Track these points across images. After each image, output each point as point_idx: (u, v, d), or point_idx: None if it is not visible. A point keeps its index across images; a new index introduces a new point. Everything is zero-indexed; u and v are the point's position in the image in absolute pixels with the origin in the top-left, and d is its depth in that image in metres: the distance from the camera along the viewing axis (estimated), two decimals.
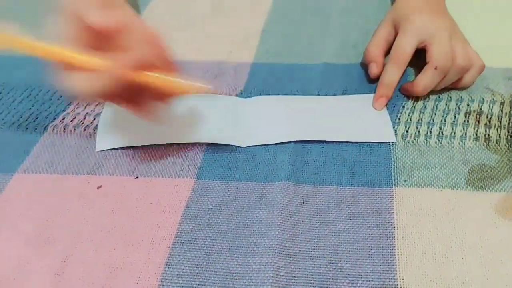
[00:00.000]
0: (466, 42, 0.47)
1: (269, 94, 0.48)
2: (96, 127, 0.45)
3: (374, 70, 0.48)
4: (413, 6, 0.48)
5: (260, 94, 0.48)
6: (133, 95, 0.36)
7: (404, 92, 0.47)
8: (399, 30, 0.47)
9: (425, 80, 0.45)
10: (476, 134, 0.43)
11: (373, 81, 0.48)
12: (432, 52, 0.45)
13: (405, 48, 0.45)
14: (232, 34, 0.56)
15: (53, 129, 0.45)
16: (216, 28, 0.58)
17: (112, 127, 0.44)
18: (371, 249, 0.35)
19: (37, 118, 0.47)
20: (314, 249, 0.35)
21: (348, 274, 0.33)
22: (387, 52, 0.49)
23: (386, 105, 0.46)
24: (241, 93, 0.48)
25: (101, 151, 0.43)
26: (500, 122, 0.44)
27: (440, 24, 0.46)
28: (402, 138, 0.43)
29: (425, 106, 0.46)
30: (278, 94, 0.48)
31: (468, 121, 0.44)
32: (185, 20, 0.59)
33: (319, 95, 0.48)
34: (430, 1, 0.49)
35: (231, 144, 0.43)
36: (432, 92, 0.46)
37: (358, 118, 0.45)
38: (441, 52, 0.44)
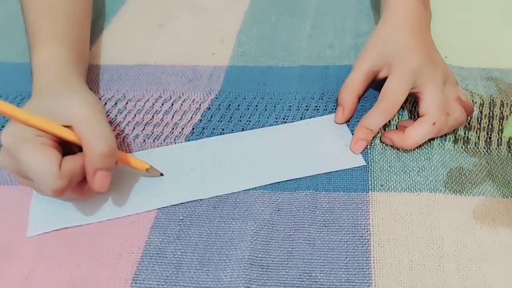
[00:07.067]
0: (457, 84, 0.43)
1: (245, 99, 0.47)
2: None
3: (339, 115, 0.43)
4: (405, 44, 0.42)
5: (236, 99, 0.47)
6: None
7: (388, 142, 0.41)
8: (391, 69, 0.41)
9: (419, 134, 0.39)
10: (455, 137, 0.42)
11: None
12: (430, 105, 0.39)
13: (397, 96, 0.40)
14: (207, 37, 0.55)
15: None
16: (191, 31, 0.57)
17: (49, 206, 0.37)
18: (346, 257, 0.34)
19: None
20: (287, 259, 0.34)
21: (322, 284, 0.32)
22: (365, 91, 0.45)
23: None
24: (216, 98, 0.47)
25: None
26: (480, 124, 0.43)
27: (434, 72, 0.40)
28: (380, 141, 0.42)
29: (403, 109, 0.45)
30: (255, 98, 0.47)
31: None
32: (159, 22, 0.57)
33: (296, 99, 0.47)
34: (417, 32, 0.43)
35: (190, 200, 0.38)
36: (411, 94, 0.42)
37: (323, 147, 0.41)
38: (439, 106, 0.39)
